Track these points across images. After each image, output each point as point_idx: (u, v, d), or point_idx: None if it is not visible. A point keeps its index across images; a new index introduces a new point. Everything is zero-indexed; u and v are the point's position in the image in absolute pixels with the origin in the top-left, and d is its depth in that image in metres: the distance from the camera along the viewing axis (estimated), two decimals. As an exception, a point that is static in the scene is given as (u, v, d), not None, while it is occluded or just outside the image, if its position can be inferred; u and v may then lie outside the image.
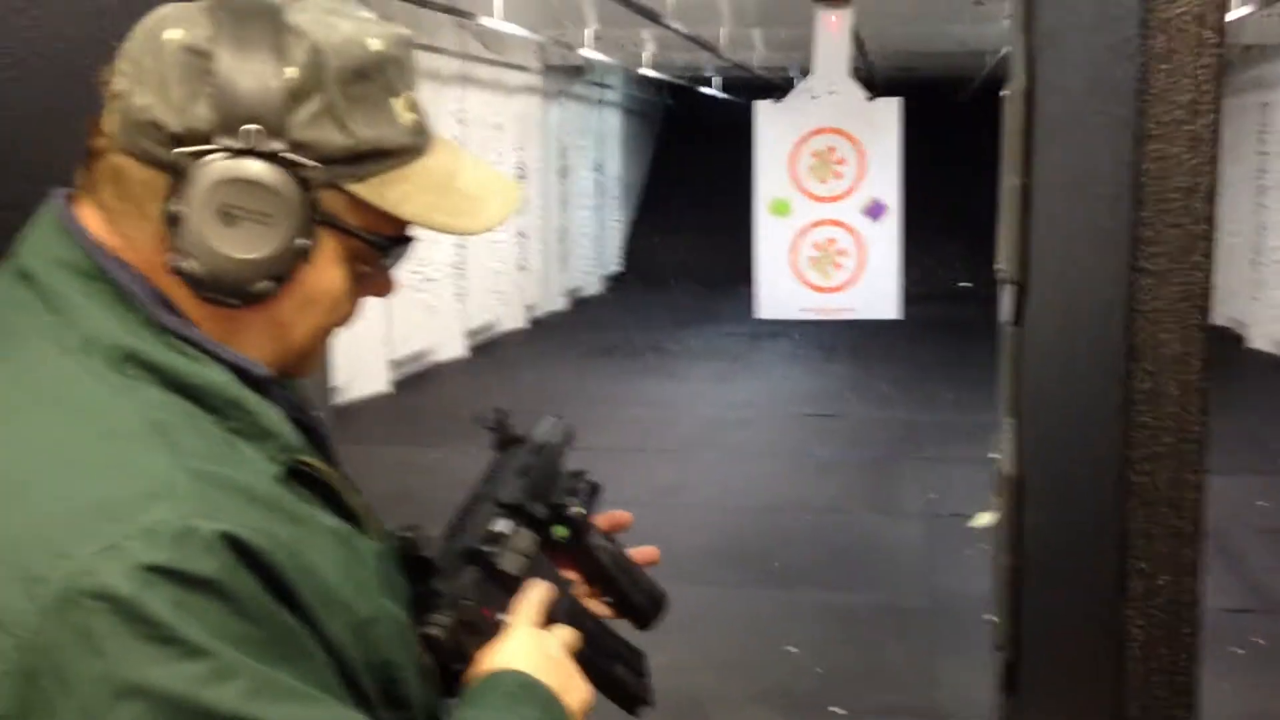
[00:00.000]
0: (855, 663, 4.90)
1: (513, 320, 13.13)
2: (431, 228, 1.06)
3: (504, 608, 1.19)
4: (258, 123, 0.97)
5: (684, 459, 7.89)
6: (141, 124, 0.97)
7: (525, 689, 1.13)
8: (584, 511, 1.33)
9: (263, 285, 1.00)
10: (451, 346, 11.44)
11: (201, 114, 0.96)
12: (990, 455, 1.95)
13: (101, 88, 1.01)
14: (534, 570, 1.25)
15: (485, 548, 1.21)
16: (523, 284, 13.31)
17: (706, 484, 7.34)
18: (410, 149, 1.05)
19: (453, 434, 8.57)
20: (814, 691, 4.64)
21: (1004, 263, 1.86)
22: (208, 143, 0.96)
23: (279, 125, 0.98)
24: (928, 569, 5.94)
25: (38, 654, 0.84)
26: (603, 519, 1.38)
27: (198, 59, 0.97)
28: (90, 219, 1.00)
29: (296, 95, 0.98)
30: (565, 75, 14.48)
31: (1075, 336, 1.20)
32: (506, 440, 1.37)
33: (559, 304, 14.85)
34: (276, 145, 0.98)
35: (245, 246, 0.98)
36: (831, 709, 4.49)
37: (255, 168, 0.97)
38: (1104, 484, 1.00)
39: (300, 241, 1.00)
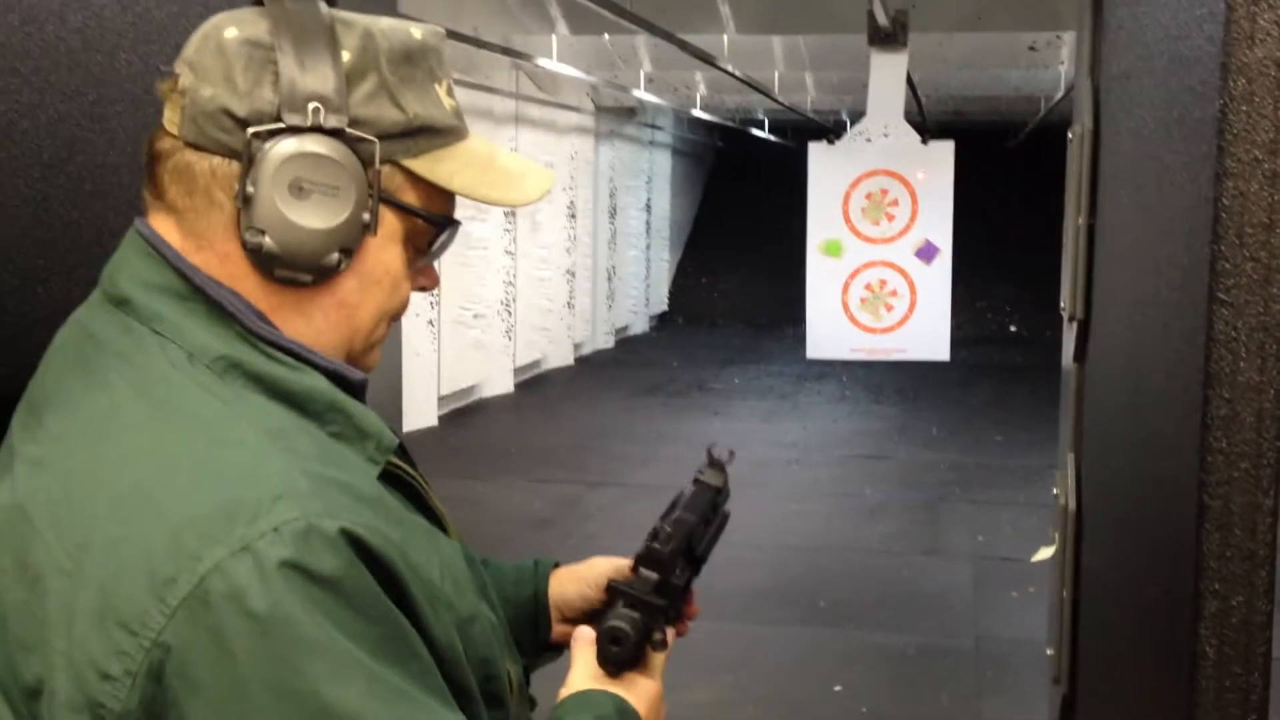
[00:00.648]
0: (901, 703, 4.88)
1: (560, 358, 13.20)
2: (480, 199, 1.12)
3: (662, 644, 1.27)
4: (320, 101, 1.02)
5: (730, 498, 7.87)
6: (209, 113, 1.02)
7: (621, 713, 1.18)
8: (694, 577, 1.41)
9: (334, 257, 1.04)
10: (498, 383, 11.51)
11: (267, 96, 1.02)
12: (1054, 492, 1.97)
13: (162, 95, 1.06)
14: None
15: (680, 588, 1.30)
16: (570, 322, 13.38)
17: (753, 523, 7.33)
18: (455, 130, 1.11)
19: (497, 469, 8.64)
20: (860, 731, 4.64)
21: (1066, 299, 1.89)
22: (275, 122, 1.02)
23: (340, 103, 1.03)
24: (974, 611, 5.92)
25: (165, 654, 0.87)
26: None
27: (260, 50, 1.03)
28: (164, 228, 1.05)
29: (353, 75, 1.05)
30: (617, 116, 14.61)
31: (1147, 367, 1.22)
32: (713, 481, 1.47)
33: (606, 342, 14.91)
34: (338, 121, 1.03)
35: (317, 217, 1.03)
36: (878, 749, 4.49)
37: (321, 143, 1.02)
38: (1177, 509, 1.02)
39: (365, 215, 1.05)
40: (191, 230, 1.04)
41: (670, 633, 1.31)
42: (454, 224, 1.14)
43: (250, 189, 1.01)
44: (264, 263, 1.03)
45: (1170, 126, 1.13)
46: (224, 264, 1.04)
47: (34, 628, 0.91)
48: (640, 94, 11.61)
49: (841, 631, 5.65)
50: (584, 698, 1.20)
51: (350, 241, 1.05)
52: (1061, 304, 1.97)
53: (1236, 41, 0.91)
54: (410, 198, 1.09)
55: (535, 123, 12.00)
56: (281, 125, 1.02)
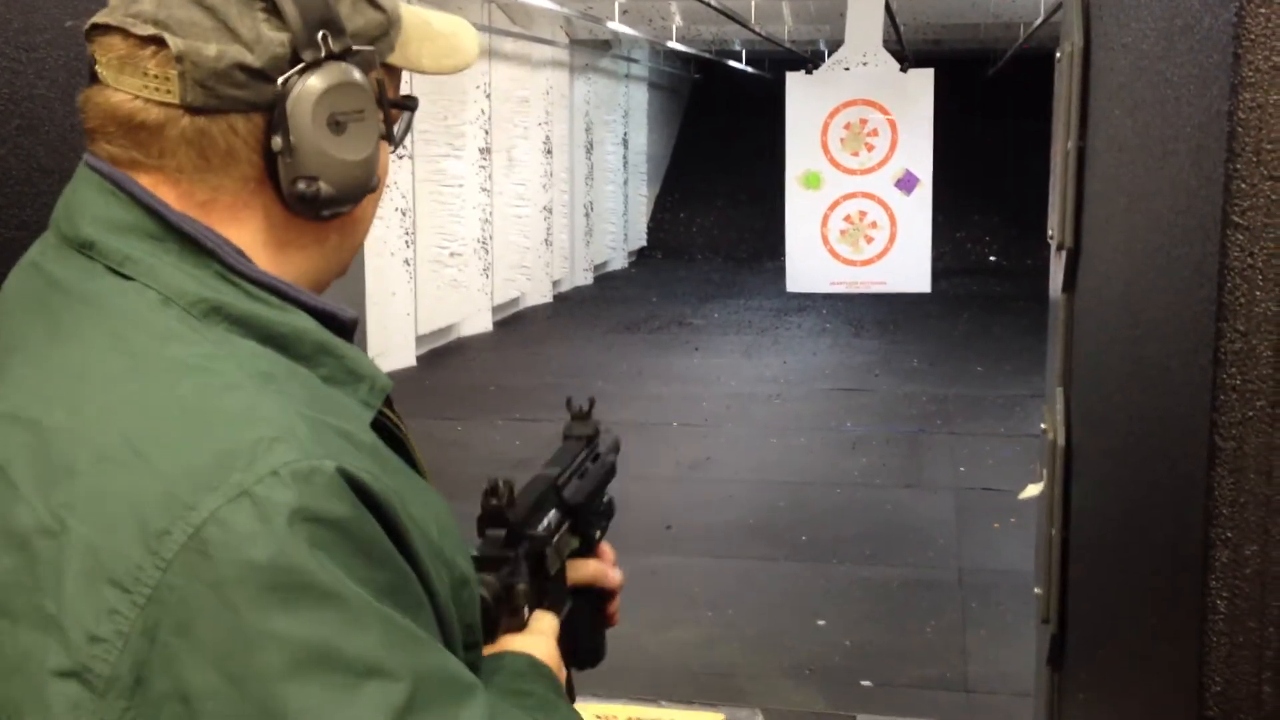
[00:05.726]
0: (885, 636, 4.87)
1: (538, 295, 13.11)
2: (442, 72, 1.09)
3: (529, 597, 1.21)
4: (325, 28, 0.97)
5: (711, 433, 7.86)
6: (220, 73, 0.94)
7: (534, 668, 1.13)
8: (599, 535, 1.37)
9: (375, 180, 1.02)
10: (477, 321, 11.43)
11: (275, 37, 0.95)
12: (1042, 427, 1.91)
13: (123, 63, 0.95)
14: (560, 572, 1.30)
15: (540, 536, 1.25)
16: (548, 259, 13.28)
17: (734, 459, 7.31)
18: (398, 7, 1.07)
19: (476, 408, 8.58)
20: (844, 665, 4.62)
21: (1055, 227, 1.82)
22: (295, 64, 0.95)
23: (338, 23, 0.98)
24: (957, 543, 5.91)
25: (160, 609, 0.81)
26: (601, 547, 1.40)
27: None
28: (160, 189, 0.97)
29: None
30: (592, 49, 14.41)
31: (1147, 298, 1.15)
32: (581, 432, 1.42)
33: (584, 279, 14.82)
34: (343, 43, 0.98)
35: (357, 148, 0.99)
36: (862, 682, 4.47)
37: (339, 70, 0.97)
38: (1183, 450, 0.96)
39: (381, 127, 1.02)
40: (203, 184, 0.97)
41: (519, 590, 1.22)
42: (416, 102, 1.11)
43: (292, 139, 0.96)
44: (314, 207, 0.98)
45: (1173, 38, 1.05)
46: (232, 210, 0.98)
47: (23, 595, 0.84)
48: (615, 26, 11.43)
49: (825, 566, 5.64)
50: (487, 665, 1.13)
51: (378, 159, 1.03)
52: (1049, 232, 1.90)
53: (1254, -62, 0.82)
54: (392, 92, 1.06)
55: (509, 57, 11.81)
56: (303, 64, 0.96)
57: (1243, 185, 0.85)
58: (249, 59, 0.94)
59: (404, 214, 9.55)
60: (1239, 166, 0.85)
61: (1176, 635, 0.97)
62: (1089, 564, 1.65)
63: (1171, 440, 1.02)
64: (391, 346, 9.57)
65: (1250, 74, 0.84)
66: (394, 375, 9.28)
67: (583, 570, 1.34)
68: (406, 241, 9.64)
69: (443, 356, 10.51)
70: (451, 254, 10.57)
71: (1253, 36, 0.83)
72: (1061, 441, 1.78)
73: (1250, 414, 0.86)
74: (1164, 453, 1.05)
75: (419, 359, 10.12)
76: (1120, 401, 1.33)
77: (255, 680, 0.80)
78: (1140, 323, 1.19)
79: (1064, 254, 1.78)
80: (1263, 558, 0.87)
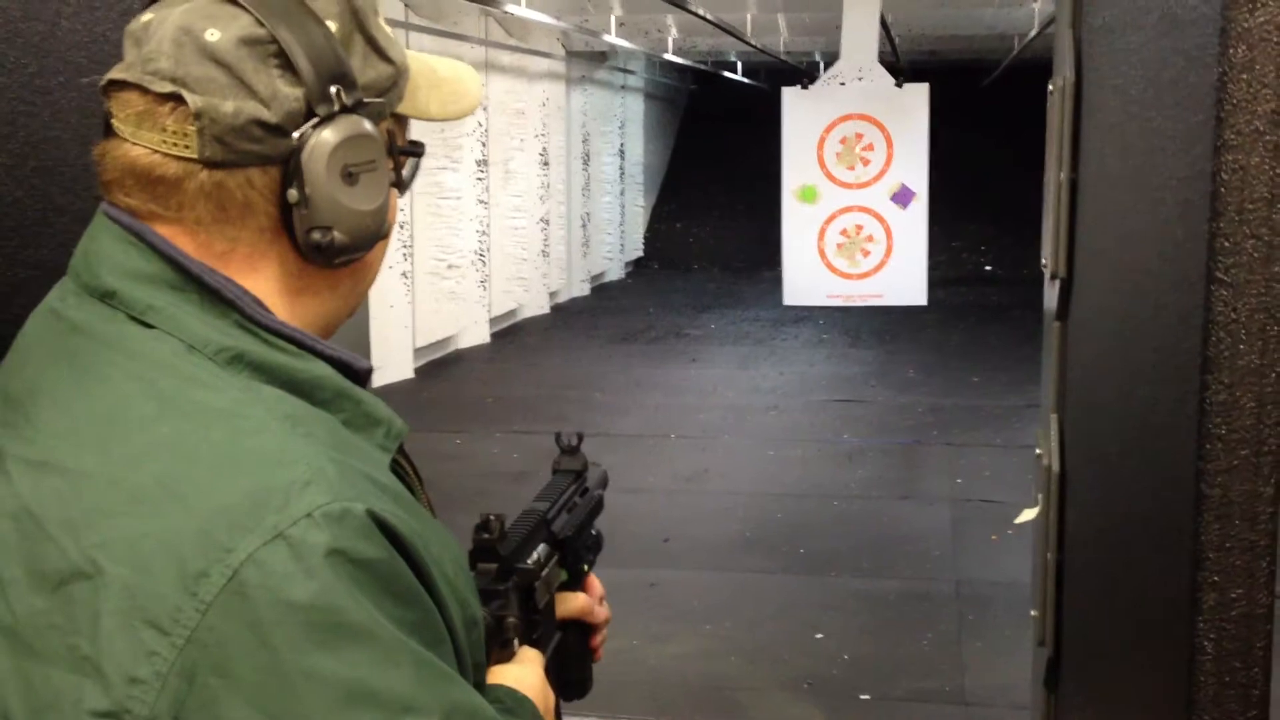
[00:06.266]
0: (883, 649, 4.89)
1: (536, 306, 13.12)
2: (448, 118, 1.12)
3: (518, 630, 1.23)
4: (338, 82, 0.99)
5: (708, 445, 7.87)
6: (238, 128, 0.96)
7: (522, 705, 1.15)
8: (587, 568, 1.40)
9: (386, 226, 1.05)
10: (474, 333, 11.44)
11: (289, 93, 0.98)
12: (1037, 452, 1.93)
13: (143, 118, 0.98)
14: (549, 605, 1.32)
15: (530, 569, 1.27)
16: (545, 270, 13.29)
17: (731, 470, 7.32)
18: (406, 59, 1.09)
19: (474, 420, 8.59)
20: (841, 678, 4.64)
21: (1048, 256, 1.85)
22: (310, 118, 0.98)
23: (350, 77, 1.01)
24: (954, 554, 5.92)
25: (199, 650, 0.83)
26: (589, 580, 1.42)
27: (258, 46, 0.97)
28: (179, 240, 1.00)
29: (345, 43, 1.02)
30: (588, 61, 14.44)
31: (1138, 342, 1.18)
32: (569, 466, 1.45)
33: (582, 290, 14.84)
34: (355, 96, 1.01)
35: (369, 198, 1.02)
36: (860, 695, 4.49)
37: (351, 124, 1.00)
38: (1172, 494, 0.99)
39: (392, 176, 1.06)
40: (221, 236, 1.00)
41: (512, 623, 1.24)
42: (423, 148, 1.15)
43: (307, 190, 0.98)
44: (329, 256, 1.01)
45: (1162, 89, 1.08)
46: (249, 260, 1.01)
47: (57, 636, 0.86)
48: (611, 38, 11.46)
49: (822, 578, 5.65)
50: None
51: (389, 206, 1.06)
52: (1043, 260, 1.93)
53: (1237, 4, 0.85)
54: (400, 140, 1.09)
55: (506, 69, 11.84)
56: (317, 119, 0.99)
57: (1226, 243, 0.88)
58: (265, 114, 0.96)
59: (401, 227, 9.57)
60: (1222, 225, 0.88)
61: (1165, 671, 1.00)
62: (1083, 590, 1.67)
63: (1160, 483, 1.05)
64: (389, 359, 9.58)
65: (1233, 137, 0.87)
66: (392, 388, 9.32)
67: (571, 604, 1.36)
68: (404, 254, 9.66)
69: (441, 369, 10.52)
70: (449, 266, 10.58)
71: (1235, 101, 0.86)
72: (1056, 467, 1.81)
73: (1235, 463, 0.89)
74: (1154, 494, 1.08)
75: (417, 371, 10.13)
76: (1112, 433, 1.36)
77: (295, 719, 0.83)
78: (1130, 361, 1.22)
79: (1057, 282, 1.81)
80: (1249, 601, 0.90)
